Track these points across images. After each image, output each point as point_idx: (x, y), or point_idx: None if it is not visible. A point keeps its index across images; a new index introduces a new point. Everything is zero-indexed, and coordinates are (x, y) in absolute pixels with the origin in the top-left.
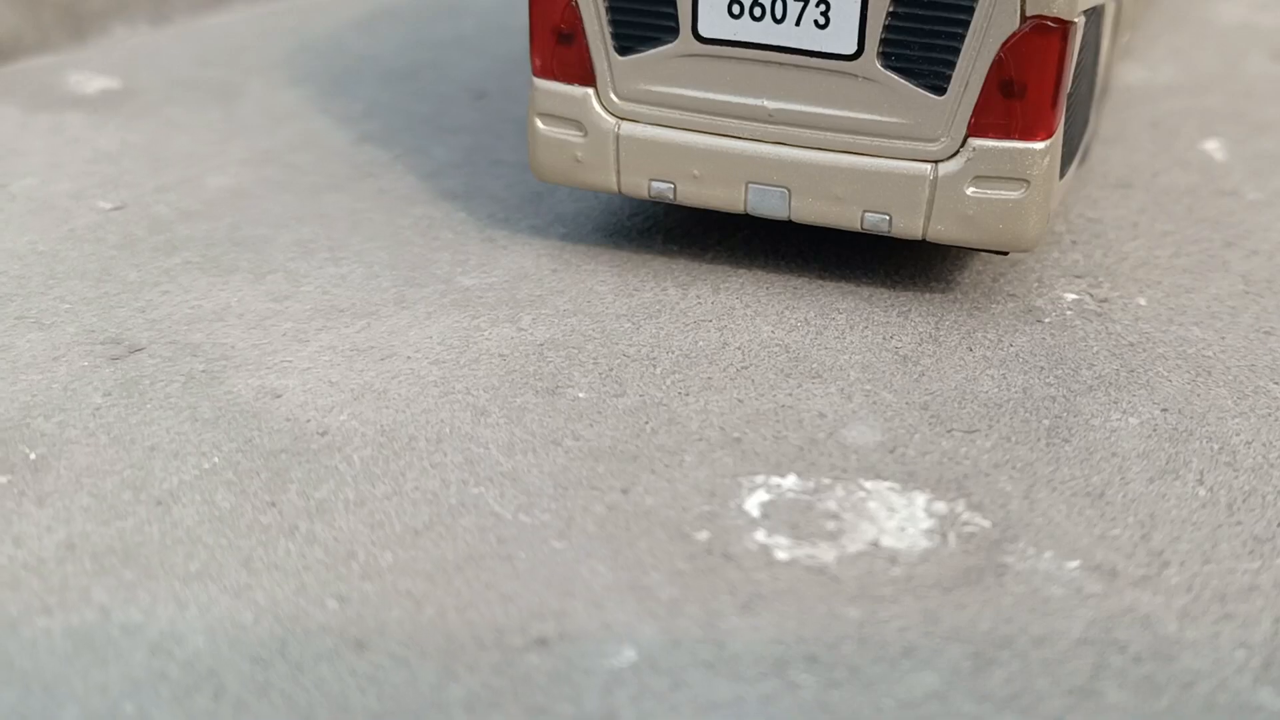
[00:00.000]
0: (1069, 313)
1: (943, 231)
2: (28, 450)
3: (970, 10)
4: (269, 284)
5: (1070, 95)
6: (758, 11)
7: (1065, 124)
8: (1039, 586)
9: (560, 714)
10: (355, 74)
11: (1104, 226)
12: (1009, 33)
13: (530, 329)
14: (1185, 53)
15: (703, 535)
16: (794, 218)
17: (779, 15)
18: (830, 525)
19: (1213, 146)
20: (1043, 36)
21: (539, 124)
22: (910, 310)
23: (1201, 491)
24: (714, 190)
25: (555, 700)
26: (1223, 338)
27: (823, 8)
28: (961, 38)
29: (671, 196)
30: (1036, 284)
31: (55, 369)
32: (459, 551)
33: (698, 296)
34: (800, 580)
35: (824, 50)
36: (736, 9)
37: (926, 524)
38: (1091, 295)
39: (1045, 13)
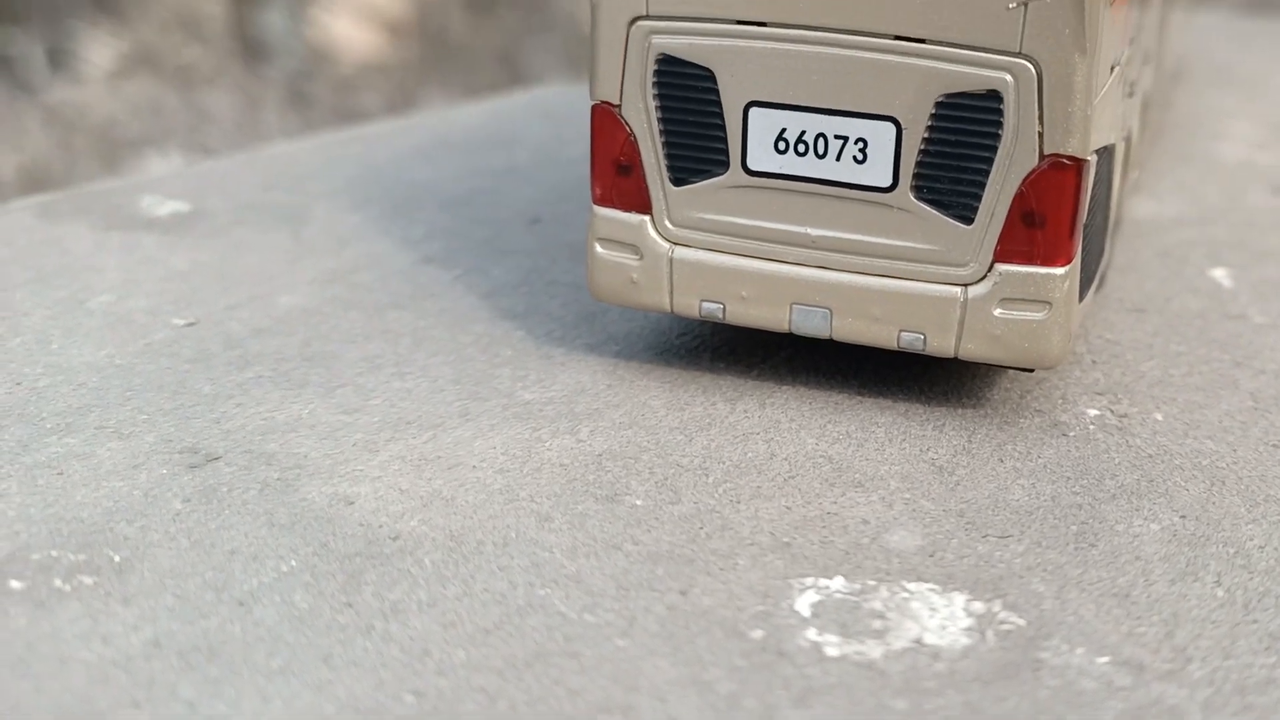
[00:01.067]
0: (1092, 427)
1: (973, 350)
2: (112, 553)
3: (994, 149)
4: (339, 397)
5: (1086, 225)
6: (801, 148)
7: (1083, 252)
8: (1072, 680)
9: None
10: (416, 200)
11: (1122, 348)
12: (1029, 169)
13: (589, 440)
14: (1191, 187)
15: (757, 633)
16: (835, 337)
17: (821, 151)
18: (876, 624)
19: (1220, 274)
20: (1060, 172)
21: (598, 248)
22: (945, 424)
23: (1220, 592)
24: (761, 310)
25: None
26: (1234, 450)
27: (861, 145)
28: (986, 173)
29: (721, 316)
30: (1061, 400)
31: (136, 476)
32: (528, 649)
33: (745, 411)
34: (850, 675)
35: (862, 183)
36: (782, 145)
37: (966, 622)
38: (1112, 411)
39: (1061, 151)
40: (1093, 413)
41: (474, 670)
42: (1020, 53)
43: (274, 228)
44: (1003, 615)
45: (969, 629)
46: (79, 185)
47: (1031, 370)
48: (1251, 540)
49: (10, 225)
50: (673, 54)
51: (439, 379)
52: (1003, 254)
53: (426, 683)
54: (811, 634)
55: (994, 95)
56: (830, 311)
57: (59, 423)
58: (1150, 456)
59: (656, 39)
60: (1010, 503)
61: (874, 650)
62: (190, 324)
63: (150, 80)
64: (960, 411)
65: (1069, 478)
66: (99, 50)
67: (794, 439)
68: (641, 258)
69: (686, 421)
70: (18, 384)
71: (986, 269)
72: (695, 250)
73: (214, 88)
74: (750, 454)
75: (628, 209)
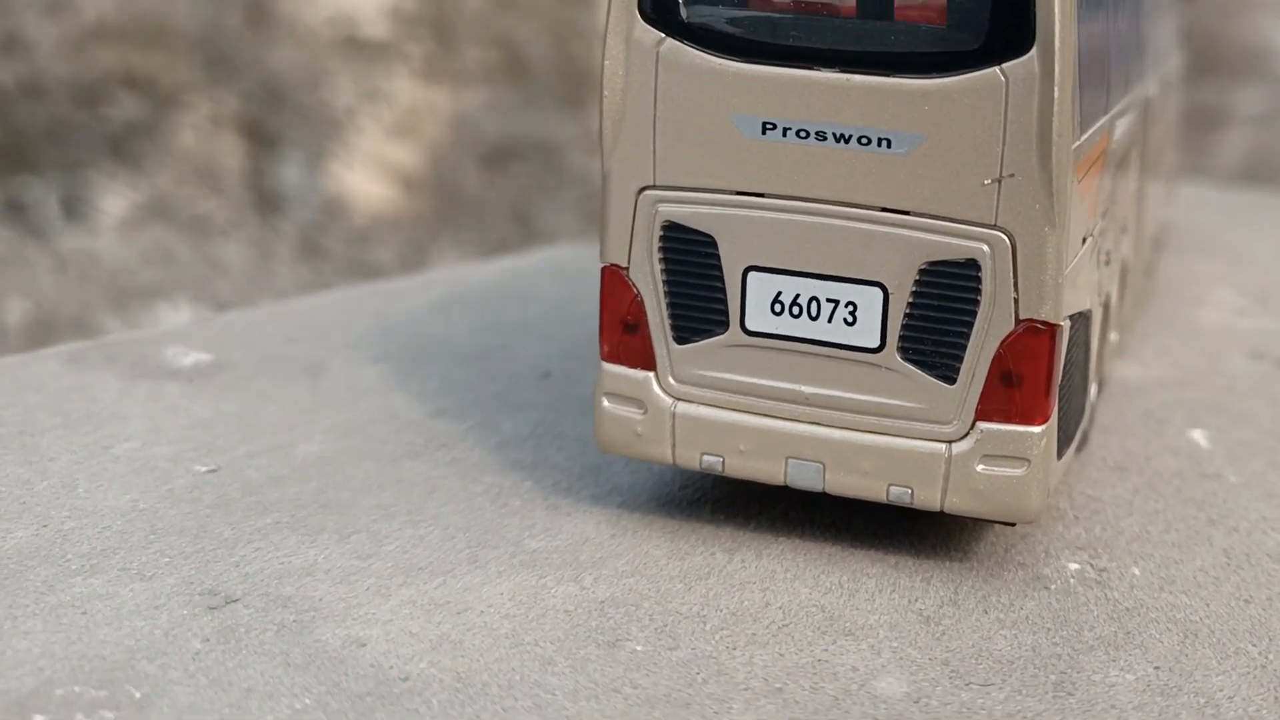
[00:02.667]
0: (1072, 580)
1: (958, 504)
2: (133, 690)
3: (973, 313)
4: (353, 543)
5: (1063, 387)
6: (796, 310)
7: (1060, 411)
8: None
9: None
10: (431, 354)
11: (1103, 504)
12: (1006, 332)
13: (592, 588)
14: (1173, 351)
15: None
16: (828, 490)
17: (814, 314)
18: None
19: (1198, 435)
20: (1035, 336)
21: (605, 402)
22: (932, 576)
23: None
24: (758, 464)
25: None
26: (1207, 604)
27: (851, 308)
28: (967, 336)
29: (720, 469)
30: (1044, 554)
31: (157, 616)
32: None
33: (743, 561)
34: None
35: (852, 344)
36: (778, 307)
37: None
38: (1092, 565)
39: (1036, 316)
40: (1074, 567)
41: None
42: (995, 225)
43: (294, 379)
44: None
45: None
46: (106, 334)
47: (1014, 524)
48: (1221, 691)
49: (40, 372)
50: (677, 221)
51: (450, 527)
52: (984, 412)
53: None
54: None
55: (972, 264)
56: (823, 466)
57: (84, 564)
58: (1127, 610)
59: (663, 207)
60: (993, 652)
61: None
62: (212, 470)
63: (164, 230)
64: (947, 564)
65: (1049, 629)
66: (113, 199)
67: (789, 588)
68: (646, 412)
69: (686, 570)
70: (44, 526)
71: (969, 427)
72: (697, 406)
73: (227, 239)
74: (746, 602)
75: (634, 365)
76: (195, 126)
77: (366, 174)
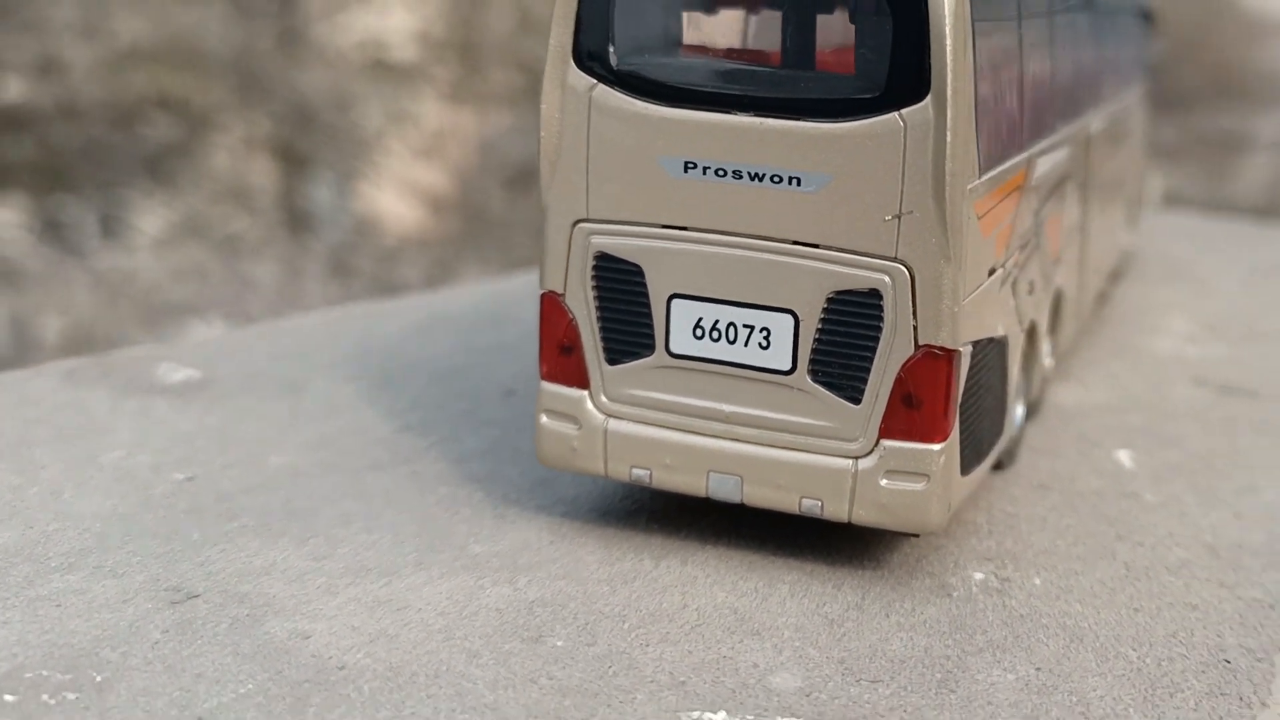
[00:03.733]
0: (975, 589)
1: (864, 516)
2: (95, 674)
3: (876, 339)
4: (310, 546)
5: (971, 407)
6: (715, 334)
7: (965, 431)
8: None
9: None
10: (406, 373)
11: (1018, 520)
12: (906, 357)
13: (525, 589)
14: (1119, 377)
15: None
16: (746, 502)
17: (732, 338)
18: None
19: (1124, 456)
20: (933, 361)
21: (544, 419)
22: (843, 583)
23: None
24: (682, 477)
25: None
26: (1099, 613)
27: (765, 333)
28: (870, 359)
29: (648, 481)
30: (953, 564)
31: (124, 609)
32: None
33: (668, 567)
34: None
35: (766, 366)
36: (699, 332)
37: None
38: (996, 575)
39: (933, 342)
40: (978, 576)
41: None
42: (896, 258)
43: (275, 396)
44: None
45: None
46: (104, 352)
47: (917, 535)
48: (1094, 691)
49: (40, 387)
50: (608, 251)
51: (401, 533)
52: (887, 431)
53: None
54: None
55: (875, 293)
56: (741, 479)
57: (62, 562)
58: (1022, 616)
59: (595, 239)
60: (887, 652)
61: None
62: (188, 479)
63: (197, 248)
64: (860, 572)
65: (944, 632)
66: (149, 218)
67: (706, 592)
68: (581, 428)
69: (614, 575)
70: (30, 528)
71: (874, 444)
72: (626, 422)
73: (259, 257)
74: (665, 604)
75: (570, 385)
76: (228, 148)
77: (394, 194)
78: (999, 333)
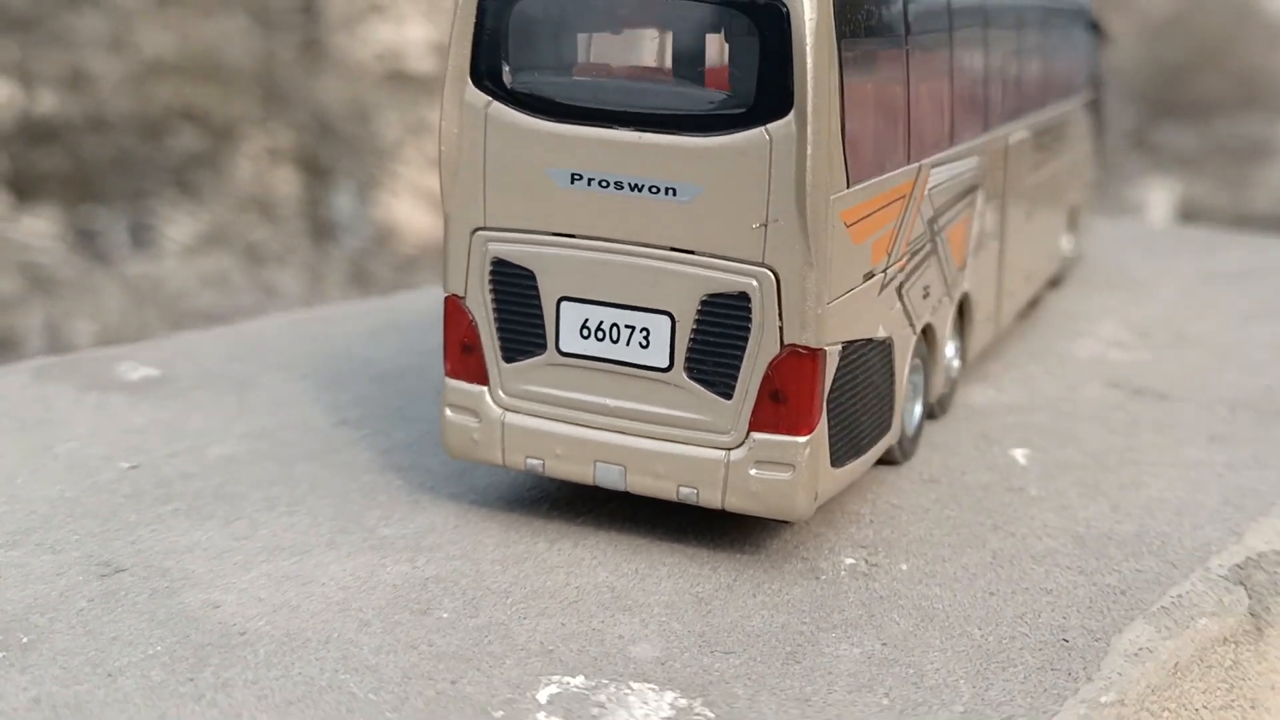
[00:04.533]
0: (843, 573)
1: (736, 503)
2: (22, 636)
3: (745, 339)
4: (234, 528)
5: (845, 403)
6: (600, 334)
7: (839, 425)
8: None
9: None
10: (353, 373)
11: (901, 511)
12: (773, 355)
13: (423, 567)
14: (1036, 379)
15: (499, 714)
16: (629, 489)
17: (615, 338)
18: (595, 710)
19: (1019, 454)
20: (798, 359)
21: (448, 412)
22: (721, 565)
23: (885, 701)
24: (571, 466)
25: None
26: (955, 595)
27: (645, 333)
28: (740, 358)
29: (541, 470)
30: (828, 551)
31: (57, 581)
32: (317, 717)
33: (559, 549)
34: None
35: (646, 364)
36: (586, 332)
37: (667, 713)
38: (866, 560)
39: (798, 342)
40: (849, 561)
41: None
42: (763, 263)
43: (226, 392)
44: (699, 709)
45: (668, 718)
46: (75, 352)
47: (787, 521)
48: (932, 664)
49: (9, 384)
50: (503, 258)
51: (319, 516)
52: (756, 424)
53: None
54: (540, 715)
55: (744, 296)
56: (625, 469)
57: (7, 539)
58: (881, 598)
59: (491, 245)
60: (746, 628)
61: None
62: (133, 467)
63: (222, 256)
64: (738, 556)
65: (804, 611)
66: (177, 227)
67: (590, 573)
68: (481, 421)
69: (508, 556)
70: None
71: (744, 436)
72: (522, 416)
73: (282, 264)
74: (550, 583)
75: (471, 381)
76: (252, 158)
77: (412, 203)
78: (880, 334)
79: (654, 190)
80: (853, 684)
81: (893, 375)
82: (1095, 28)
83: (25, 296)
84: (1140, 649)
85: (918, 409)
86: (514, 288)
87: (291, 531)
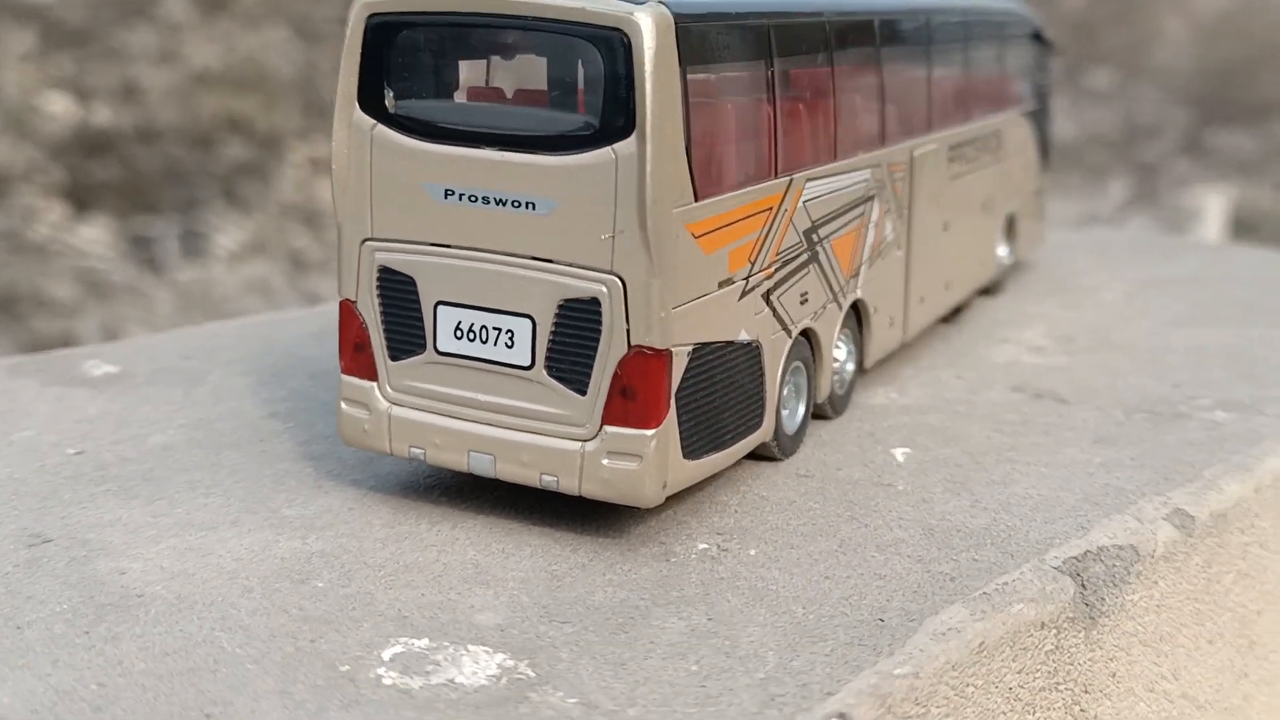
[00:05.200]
0: (694, 556)
1: (591, 490)
2: None
3: (597, 339)
4: (155, 506)
5: (699, 400)
6: (472, 335)
7: (693, 420)
8: (538, 709)
9: None
10: (293, 370)
11: (767, 502)
12: (622, 354)
13: (312, 544)
14: (942, 383)
15: (345, 668)
16: (499, 477)
17: (484, 339)
18: (429, 668)
19: (900, 452)
20: (644, 359)
21: (343, 405)
22: (582, 547)
23: (694, 668)
24: (448, 455)
25: None
26: (791, 578)
27: (510, 334)
28: (593, 357)
29: (423, 458)
30: (685, 536)
31: None
32: (187, 665)
33: (439, 531)
34: (391, 696)
35: (511, 362)
36: (459, 333)
37: (493, 672)
38: (719, 546)
39: (644, 343)
40: (702, 546)
41: (145, 675)
42: (611, 271)
43: (175, 387)
44: (522, 669)
45: (493, 676)
46: (47, 351)
47: (638, 508)
48: (749, 637)
49: None
50: (388, 265)
51: (231, 498)
52: (608, 418)
53: (111, 678)
54: (381, 670)
55: (595, 301)
56: (495, 458)
57: None
58: (721, 579)
59: (378, 254)
60: (588, 601)
61: (415, 683)
62: (79, 453)
63: (266, 263)
64: (599, 539)
65: (647, 589)
66: (225, 235)
67: (460, 551)
68: (370, 413)
69: (390, 535)
70: None
71: (598, 429)
72: (405, 409)
73: (323, 271)
74: (422, 559)
75: (362, 377)
76: (295, 166)
77: None
78: (743, 337)
79: (516, 205)
80: (669, 652)
81: (762, 376)
82: (1039, 39)
83: (82, 302)
84: (949, 629)
85: (801, 409)
86: (397, 293)
87: (204, 510)
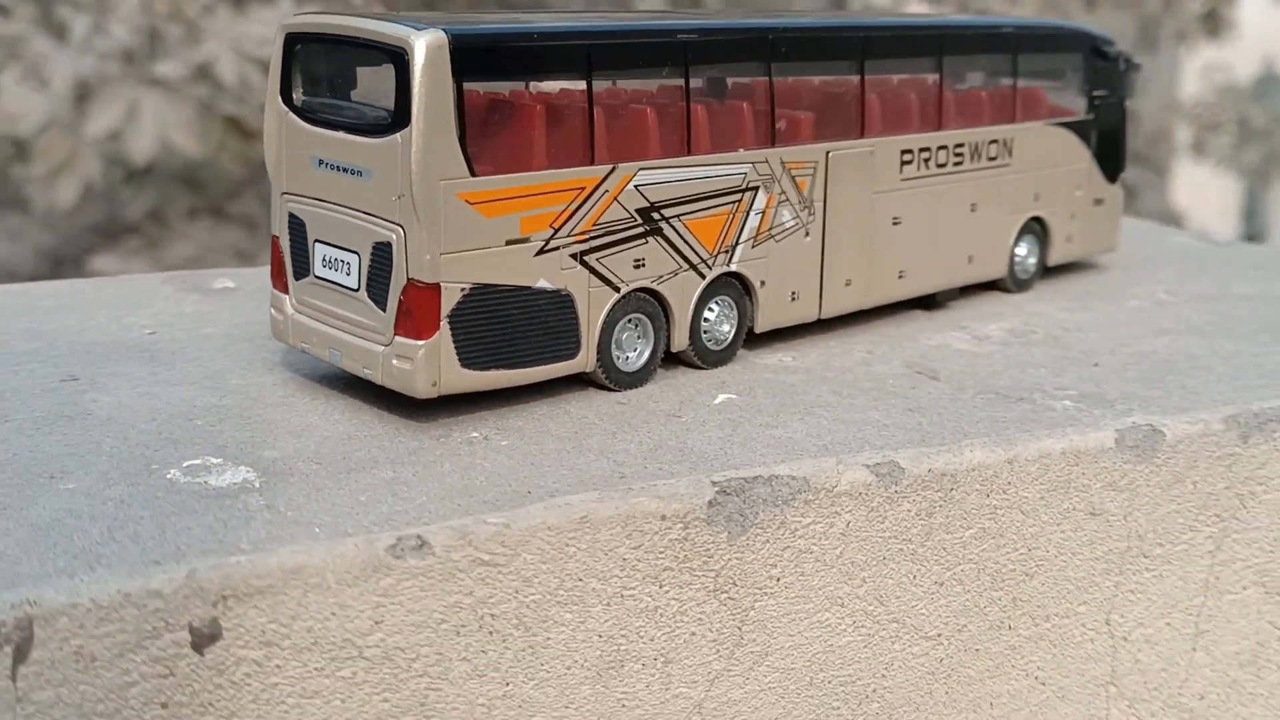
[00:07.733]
0: (461, 441)
1: (387, 381)
2: None
3: (390, 272)
4: (153, 367)
5: (477, 324)
6: (330, 266)
7: (471, 339)
8: (238, 504)
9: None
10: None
11: (563, 413)
12: (402, 284)
13: (222, 400)
14: (847, 354)
15: (155, 467)
16: (345, 369)
17: (336, 268)
18: (202, 474)
19: (724, 397)
20: (417, 290)
21: (271, 310)
22: (390, 423)
23: (362, 498)
24: (319, 350)
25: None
26: (509, 459)
27: (348, 265)
28: (388, 285)
29: (308, 351)
30: (470, 426)
31: None
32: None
33: (310, 400)
34: (163, 483)
35: (348, 286)
36: (324, 263)
37: (236, 481)
38: (486, 436)
39: (416, 278)
40: (474, 434)
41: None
42: (398, 223)
43: (253, 299)
44: (252, 482)
45: (234, 484)
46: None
47: (414, 398)
48: (425, 491)
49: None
50: (292, 211)
51: (207, 368)
52: (397, 330)
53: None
54: (174, 473)
55: (389, 244)
56: (341, 354)
57: None
58: (456, 454)
59: (288, 204)
60: (348, 455)
61: (183, 479)
62: (151, 333)
63: None
64: (408, 422)
65: (400, 456)
66: None
67: (303, 415)
68: (283, 316)
69: (278, 401)
70: None
71: (391, 338)
72: (301, 316)
73: None
74: (275, 416)
75: (281, 291)
76: None
77: None
78: (542, 285)
79: (352, 172)
80: (361, 488)
81: (575, 318)
82: (1101, 55)
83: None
84: (564, 503)
85: (647, 353)
86: (296, 232)
87: (184, 372)
